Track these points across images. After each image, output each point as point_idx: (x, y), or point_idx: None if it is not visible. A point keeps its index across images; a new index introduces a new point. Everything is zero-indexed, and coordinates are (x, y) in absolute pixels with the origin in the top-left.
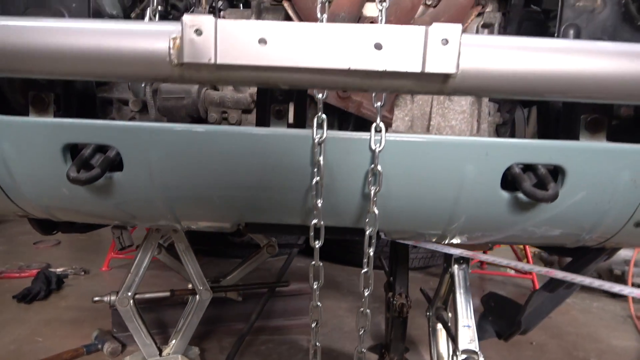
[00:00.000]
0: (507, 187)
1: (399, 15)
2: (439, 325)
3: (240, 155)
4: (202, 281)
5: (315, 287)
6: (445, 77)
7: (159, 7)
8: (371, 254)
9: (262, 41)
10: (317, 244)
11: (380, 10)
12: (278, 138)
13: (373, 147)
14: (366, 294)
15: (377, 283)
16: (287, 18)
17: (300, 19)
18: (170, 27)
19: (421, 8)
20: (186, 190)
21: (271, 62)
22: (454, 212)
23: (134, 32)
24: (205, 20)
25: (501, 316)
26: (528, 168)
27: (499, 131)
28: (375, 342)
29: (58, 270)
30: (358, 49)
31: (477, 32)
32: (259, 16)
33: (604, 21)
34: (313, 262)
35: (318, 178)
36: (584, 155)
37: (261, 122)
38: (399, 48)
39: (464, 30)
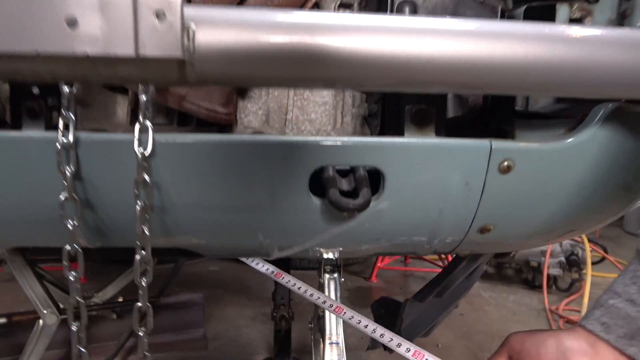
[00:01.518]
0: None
1: None
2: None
3: None
4: (46, 303)
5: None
6: (180, 63)
7: None
8: (144, 284)
9: None
10: (72, 277)
11: None
12: (16, 142)
13: (137, 151)
14: (142, 334)
15: None
16: None
17: None
18: None
19: None
20: None
21: None
22: (263, 223)
23: None
24: None
25: (392, 324)
26: (351, 170)
27: (369, 123)
28: (265, 356)
29: None
30: (46, 26)
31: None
32: None
33: None
34: None
35: (66, 194)
36: (403, 155)
37: (16, 122)
38: (99, 25)
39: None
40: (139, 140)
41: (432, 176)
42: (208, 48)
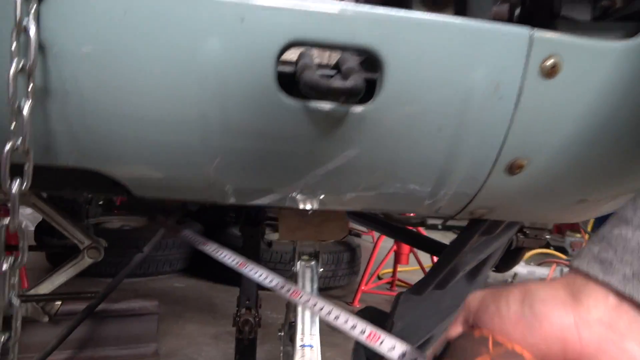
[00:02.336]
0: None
1: None
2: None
3: None
4: None
5: None
6: None
7: None
8: (15, 190)
9: None
10: None
11: None
12: None
13: None
14: None
15: None
16: None
17: None
18: None
19: None
20: None
21: None
22: (207, 133)
23: None
24: None
25: None
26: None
27: None
28: None
29: None
30: None
31: None
32: None
33: None
34: None
35: None
36: (411, 35)
37: None
38: None
39: None
40: None
41: (449, 71)
42: None
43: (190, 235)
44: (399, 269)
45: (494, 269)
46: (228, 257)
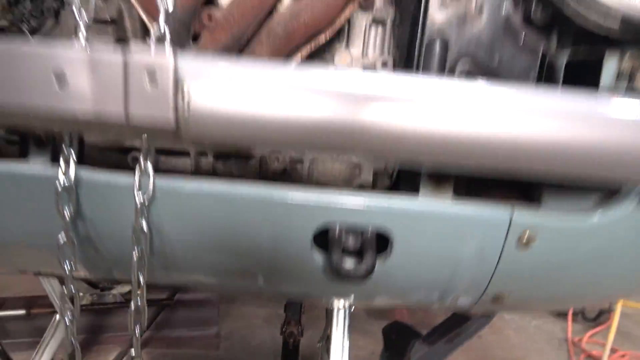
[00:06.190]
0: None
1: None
2: None
3: None
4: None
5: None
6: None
7: None
8: (138, 335)
9: None
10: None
11: None
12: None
13: (137, 198)
14: None
15: None
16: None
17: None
18: None
19: None
20: None
21: None
22: (264, 270)
23: None
24: None
25: (402, 352)
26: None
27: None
28: None
29: None
30: (37, 84)
31: (365, 30)
32: None
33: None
34: None
35: (63, 235)
36: (414, 221)
37: (23, 149)
38: (89, 86)
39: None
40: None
41: (445, 243)
42: (204, 111)
43: None
44: None
45: None
46: None
